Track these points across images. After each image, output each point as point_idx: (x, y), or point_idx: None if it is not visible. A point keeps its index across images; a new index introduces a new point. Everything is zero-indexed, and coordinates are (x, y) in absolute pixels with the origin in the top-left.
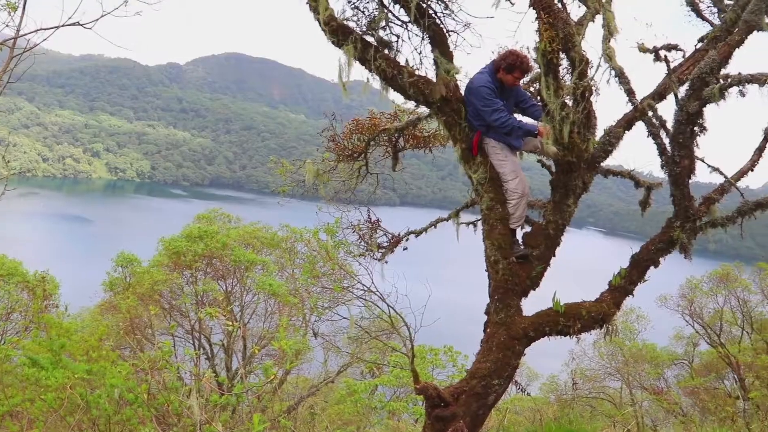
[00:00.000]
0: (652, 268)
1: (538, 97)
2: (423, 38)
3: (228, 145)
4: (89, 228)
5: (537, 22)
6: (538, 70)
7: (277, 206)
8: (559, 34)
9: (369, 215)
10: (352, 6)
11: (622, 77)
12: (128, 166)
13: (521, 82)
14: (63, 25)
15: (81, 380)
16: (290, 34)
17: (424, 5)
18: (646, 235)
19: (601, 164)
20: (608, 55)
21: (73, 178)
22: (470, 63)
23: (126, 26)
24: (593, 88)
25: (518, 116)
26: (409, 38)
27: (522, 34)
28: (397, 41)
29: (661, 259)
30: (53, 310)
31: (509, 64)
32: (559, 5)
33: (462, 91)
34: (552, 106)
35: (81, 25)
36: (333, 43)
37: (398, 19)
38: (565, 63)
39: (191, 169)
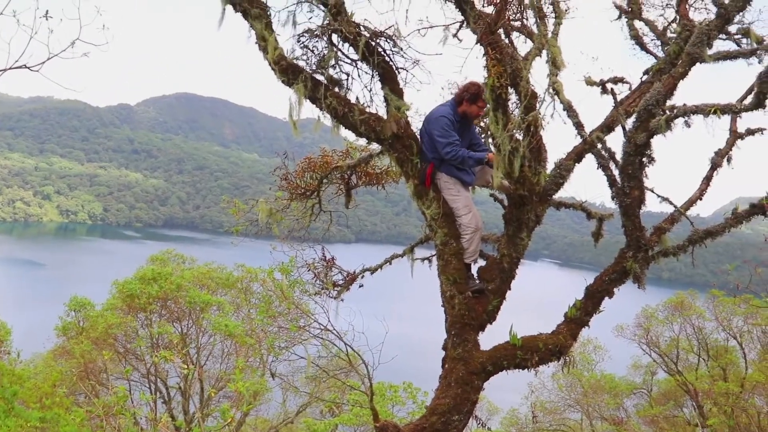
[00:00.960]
0: (606, 298)
1: (488, 132)
2: (373, 76)
3: (181, 185)
4: (41, 272)
5: (485, 58)
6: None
7: (231, 246)
8: (507, 70)
9: (324, 253)
10: (302, 45)
11: (570, 111)
12: (80, 208)
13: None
14: (10, 68)
15: (34, 428)
16: (241, 73)
17: (373, 43)
18: (601, 266)
19: (553, 197)
20: (556, 89)
21: (24, 222)
22: (421, 99)
23: (75, 68)
24: (541, 122)
25: None
26: (359, 76)
27: (470, 70)
28: (347, 79)
29: (615, 290)
30: (5, 357)
31: (473, 93)
32: (506, 41)
33: (413, 128)
34: (499, 140)
35: (28, 68)
36: (283, 82)
37: (347, 57)
38: (514, 98)
39: (144, 210)
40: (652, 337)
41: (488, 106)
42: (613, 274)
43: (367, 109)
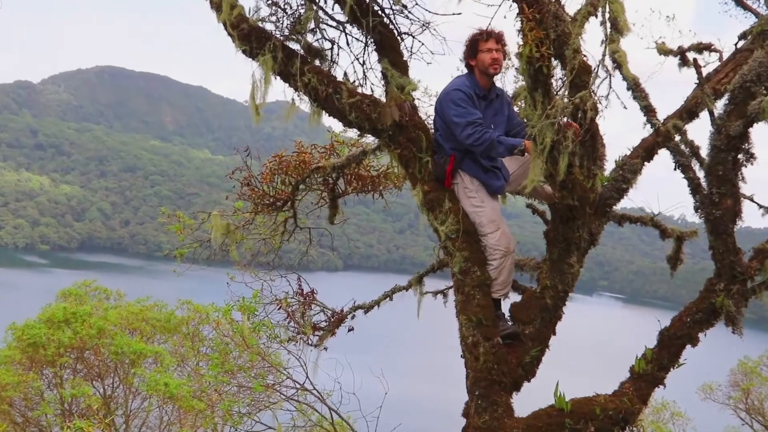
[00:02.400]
0: (688, 347)
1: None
2: (366, 44)
3: (104, 193)
4: None
5: (519, 18)
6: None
7: (174, 276)
8: (549, 35)
9: (300, 285)
10: (270, 2)
11: (636, 90)
12: None
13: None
14: None
15: None
16: (187, 42)
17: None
18: (680, 302)
19: (614, 208)
20: (617, 61)
21: None
22: (432, 76)
23: None
24: (596, 105)
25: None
26: (348, 44)
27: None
28: (331, 49)
29: (700, 335)
30: None
31: (471, 41)
32: None
33: (421, 114)
34: (538, 129)
35: None
36: (244, 52)
37: (332, 18)
38: (559, 72)
39: (53, 227)
40: (753, 401)
41: (499, 46)
42: (698, 313)
43: (359, 90)
